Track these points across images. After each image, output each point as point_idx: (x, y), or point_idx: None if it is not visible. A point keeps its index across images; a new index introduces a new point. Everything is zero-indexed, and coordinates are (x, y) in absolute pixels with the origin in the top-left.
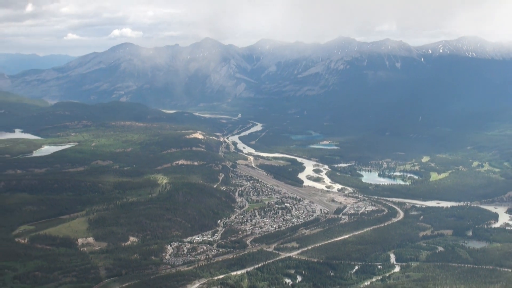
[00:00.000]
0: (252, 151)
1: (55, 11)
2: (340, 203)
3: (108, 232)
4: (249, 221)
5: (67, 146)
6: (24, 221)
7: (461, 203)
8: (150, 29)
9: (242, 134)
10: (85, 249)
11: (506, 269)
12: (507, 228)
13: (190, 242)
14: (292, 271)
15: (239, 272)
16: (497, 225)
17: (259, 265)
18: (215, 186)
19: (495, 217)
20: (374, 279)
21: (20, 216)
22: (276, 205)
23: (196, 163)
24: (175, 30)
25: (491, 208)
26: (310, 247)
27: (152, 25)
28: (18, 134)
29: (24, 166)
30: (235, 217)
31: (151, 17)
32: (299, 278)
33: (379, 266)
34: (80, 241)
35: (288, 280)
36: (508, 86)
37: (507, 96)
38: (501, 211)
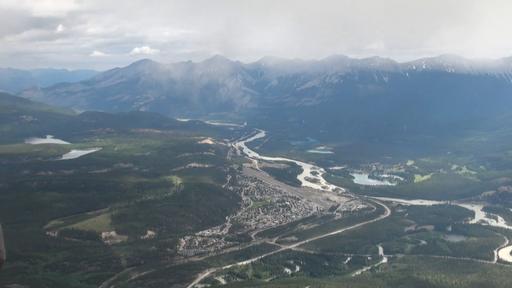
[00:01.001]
0: (256, 155)
1: (82, 32)
2: (334, 201)
3: (128, 227)
4: (253, 217)
5: (93, 150)
6: (54, 217)
7: (442, 202)
8: (166, 47)
9: (248, 140)
10: (108, 241)
11: (481, 261)
12: (482, 224)
13: (201, 236)
14: (292, 262)
15: (244, 263)
16: (473, 221)
17: (262, 256)
18: (223, 186)
19: (472, 214)
20: (364, 269)
21: (51, 212)
22: (278, 203)
23: (206, 166)
24: (189, 48)
25: (468, 206)
26: (307, 241)
27: (168, 44)
28: (49, 140)
29: (54, 168)
30: (241, 214)
31: (167, 37)
32: (297, 268)
33: (368, 258)
34: (103, 234)
35: (288, 270)
36: (483, 98)
37: (482, 107)
38: (477, 209)
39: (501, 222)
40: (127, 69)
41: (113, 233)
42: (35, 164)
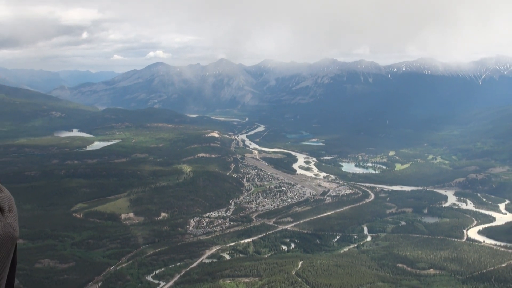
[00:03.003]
0: (257, 146)
1: (104, 38)
2: (325, 187)
3: (144, 209)
4: (254, 201)
5: (113, 142)
6: (80, 200)
7: (419, 188)
8: (177, 51)
9: (249, 133)
10: (127, 222)
11: (453, 239)
12: (454, 207)
13: (208, 217)
14: (287, 240)
15: (246, 240)
16: (446, 204)
17: (262, 235)
18: (228, 173)
19: (445, 198)
20: (351, 246)
21: (77, 196)
22: (275, 189)
23: (213, 156)
24: (198, 53)
25: (442, 191)
26: (301, 221)
27: (179, 49)
28: (75, 133)
29: (80, 157)
30: (243, 198)
31: (178, 42)
32: (292, 245)
33: (355, 236)
34: (123, 216)
35: (284, 247)
36: (455, 97)
37: (454, 104)
38: (449, 193)
39: (470, 205)
40: (143, 71)
41: (131, 214)
42: (63, 154)
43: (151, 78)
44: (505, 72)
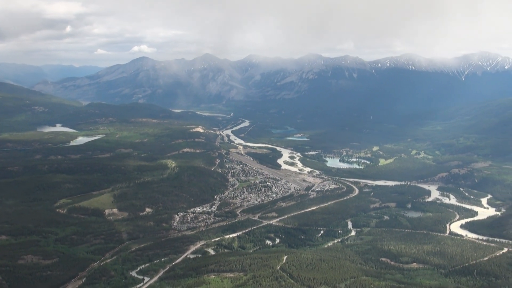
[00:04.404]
0: (242, 141)
1: (88, 32)
2: (310, 182)
3: (129, 205)
4: (239, 196)
5: (97, 137)
6: (63, 196)
7: (403, 182)
8: (162, 46)
9: (234, 128)
10: (111, 218)
11: (436, 233)
12: (437, 201)
13: (193, 212)
14: (272, 235)
15: (231, 236)
16: (429, 199)
17: (247, 230)
18: (212, 168)
19: (428, 193)
20: (335, 241)
21: (60, 192)
22: (260, 184)
23: (198, 151)
24: (182, 47)
25: (425, 186)
26: (286, 216)
27: (163, 43)
28: (58, 128)
29: (63, 152)
30: (228, 193)
31: (163, 37)
32: (277, 240)
33: (339, 231)
34: (107, 211)
35: (269, 242)
36: (439, 92)
37: (438, 100)
38: (433, 188)
39: (453, 200)
40: (127, 65)
41: (115, 210)
42: (46, 150)
43: (135, 73)
44: (488, 68)
